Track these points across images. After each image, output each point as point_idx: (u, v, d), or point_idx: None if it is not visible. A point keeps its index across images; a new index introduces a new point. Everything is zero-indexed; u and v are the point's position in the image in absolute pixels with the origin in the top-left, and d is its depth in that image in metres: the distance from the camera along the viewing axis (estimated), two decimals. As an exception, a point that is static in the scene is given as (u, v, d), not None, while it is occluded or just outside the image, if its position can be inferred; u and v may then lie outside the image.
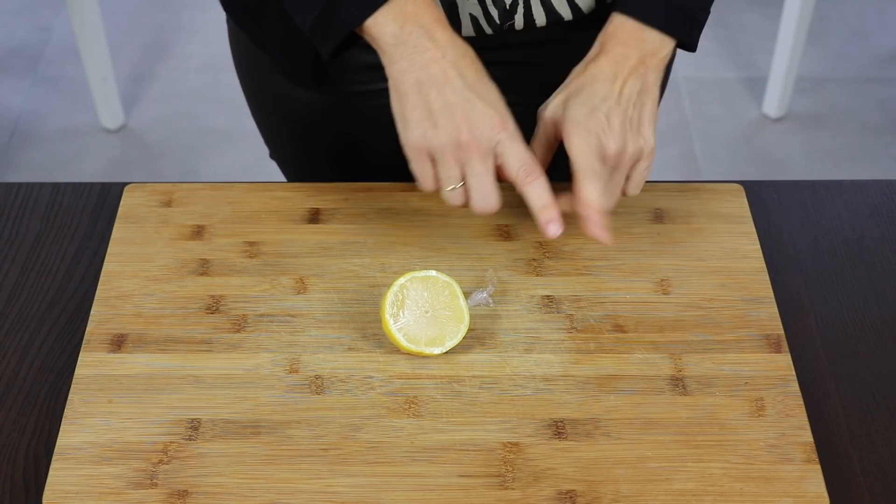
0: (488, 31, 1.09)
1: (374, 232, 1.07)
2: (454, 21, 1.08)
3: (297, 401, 0.93)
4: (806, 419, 0.92)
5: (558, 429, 0.91)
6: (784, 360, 0.96)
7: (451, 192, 0.96)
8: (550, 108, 1.00)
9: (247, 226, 1.07)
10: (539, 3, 1.07)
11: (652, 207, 1.09)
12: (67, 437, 0.91)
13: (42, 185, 1.15)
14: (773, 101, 2.62)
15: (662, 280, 1.03)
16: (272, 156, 1.34)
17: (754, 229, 1.08)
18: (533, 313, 1.00)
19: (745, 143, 2.59)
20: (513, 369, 0.96)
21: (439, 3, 1.01)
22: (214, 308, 1.00)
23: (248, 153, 2.52)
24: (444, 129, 0.93)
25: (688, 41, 1.01)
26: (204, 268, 1.04)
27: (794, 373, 0.96)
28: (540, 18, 1.09)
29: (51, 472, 0.88)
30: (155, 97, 2.69)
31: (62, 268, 1.07)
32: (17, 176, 2.49)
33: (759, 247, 1.06)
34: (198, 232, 1.07)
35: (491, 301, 1.00)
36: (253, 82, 1.25)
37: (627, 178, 1.00)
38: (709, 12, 1.04)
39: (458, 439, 0.91)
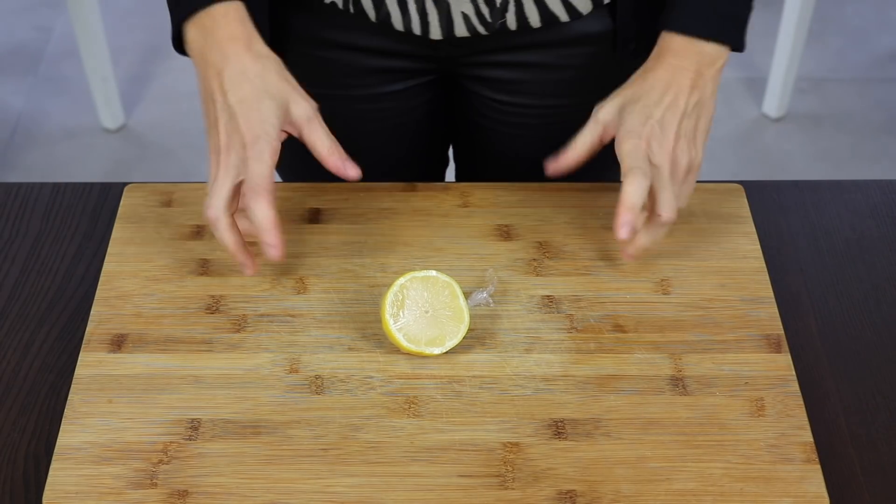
0: (481, 30, 1.09)
1: (374, 232, 1.07)
2: (447, 20, 1.08)
3: (297, 401, 0.93)
4: (806, 419, 0.92)
5: (558, 429, 0.91)
6: (784, 360, 0.96)
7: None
8: (605, 112, 1.00)
9: (247, 226, 1.07)
10: (532, 2, 1.07)
11: (652, 207, 1.09)
12: (67, 437, 0.91)
13: (42, 185, 1.15)
14: (773, 101, 2.62)
15: (662, 280, 1.03)
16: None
17: (754, 229, 1.08)
18: (533, 313, 1.00)
19: (745, 143, 2.59)
20: (513, 369, 0.96)
21: (245, 18, 0.98)
22: (214, 308, 1.00)
23: (248, 153, 2.52)
24: (211, 140, 0.97)
25: (738, 44, 1.01)
26: (204, 268, 1.04)
27: (794, 373, 0.96)
28: (534, 18, 1.08)
29: (51, 472, 0.88)
30: (155, 97, 2.69)
31: (62, 268, 1.07)
32: (17, 176, 2.49)
33: (759, 247, 1.06)
34: (198, 232, 1.07)
35: (491, 301, 1.00)
36: None
37: None
38: (751, 7, 1.03)
39: (458, 439, 0.91)
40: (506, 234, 1.07)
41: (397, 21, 1.09)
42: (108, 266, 1.04)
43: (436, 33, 1.09)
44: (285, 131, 0.98)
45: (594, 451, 0.90)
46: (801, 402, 0.93)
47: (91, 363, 0.96)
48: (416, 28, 1.09)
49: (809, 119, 2.65)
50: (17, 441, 0.93)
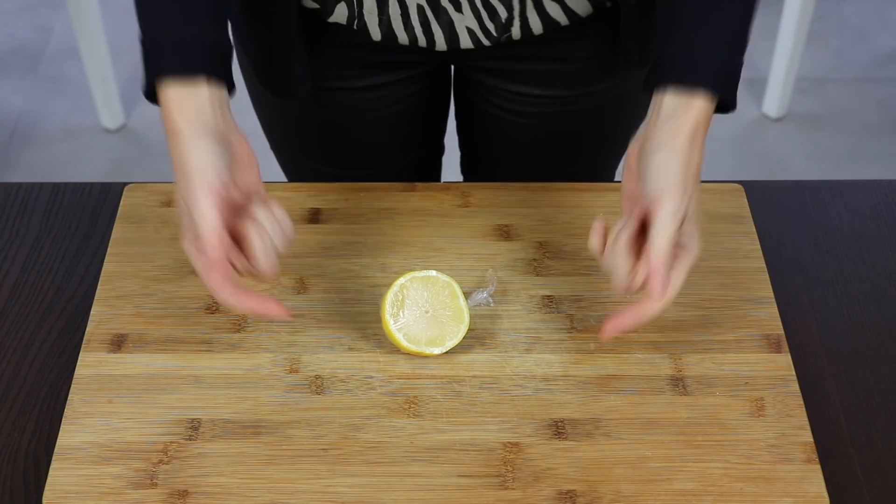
0: (486, 42, 1.09)
1: (374, 232, 1.07)
2: (451, 35, 1.08)
3: (297, 401, 0.93)
4: (806, 419, 0.92)
5: (558, 429, 0.91)
6: (784, 360, 0.96)
7: None
8: (628, 169, 0.92)
9: (247, 226, 1.07)
10: (535, 13, 1.07)
11: (652, 207, 1.09)
12: (67, 437, 0.90)
13: (42, 185, 1.15)
14: (773, 101, 2.62)
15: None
16: (272, 147, 1.34)
17: (754, 229, 1.08)
18: (533, 313, 1.00)
19: (745, 143, 2.59)
20: (513, 369, 0.96)
21: (201, 106, 0.90)
22: (214, 308, 1.00)
23: (248, 153, 2.52)
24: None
25: (731, 101, 0.95)
26: (204, 268, 1.04)
27: (794, 373, 0.96)
28: (536, 27, 1.08)
29: (51, 472, 0.88)
30: (155, 97, 2.69)
31: (62, 268, 1.07)
32: (17, 176, 2.49)
33: (759, 247, 1.06)
34: (198, 232, 1.07)
35: (491, 301, 1.00)
36: (252, 83, 1.25)
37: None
38: (741, 64, 0.95)
39: (458, 439, 0.90)
40: (506, 234, 1.07)
41: (402, 38, 1.09)
42: (108, 266, 1.04)
43: (441, 46, 1.09)
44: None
45: (594, 451, 0.90)
46: (801, 402, 0.93)
47: (91, 363, 0.96)
48: (421, 42, 1.09)
49: (809, 119, 2.65)
50: (17, 441, 0.93)
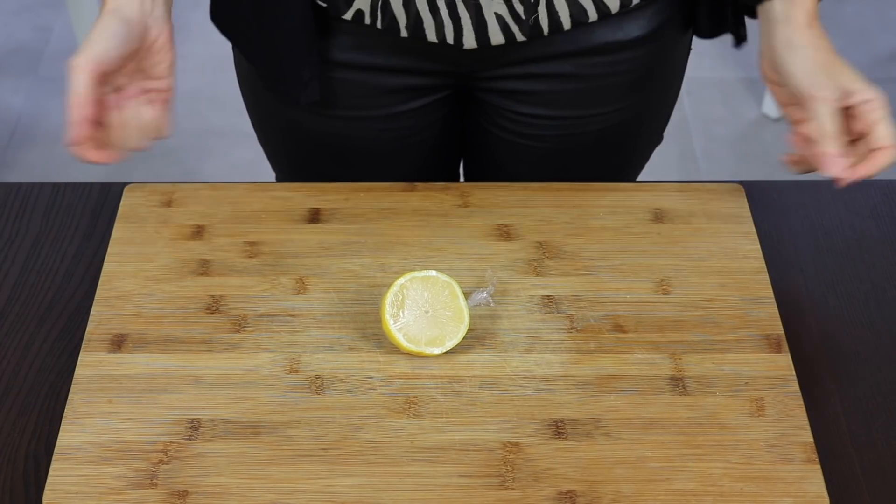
0: (516, 31, 1.06)
1: (374, 232, 1.07)
2: (480, 24, 1.06)
3: (297, 401, 0.93)
4: (806, 419, 0.92)
5: (558, 429, 0.91)
6: (784, 360, 0.96)
7: None
8: (831, 92, 1.01)
9: (247, 226, 1.07)
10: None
11: (652, 207, 1.09)
12: (67, 437, 0.90)
13: (42, 185, 1.15)
14: (774, 101, 2.62)
15: (662, 280, 1.03)
16: (273, 167, 1.33)
17: (754, 229, 1.08)
18: (533, 313, 1.00)
19: (745, 143, 2.58)
20: (513, 369, 0.96)
21: None
22: (214, 308, 1.00)
23: (248, 153, 2.51)
24: None
25: None
26: (204, 268, 1.04)
27: (794, 373, 0.96)
28: (564, 16, 1.06)
29: (51, 472, 0.88)
30: (155, 97, 2.68)
31: (62, 268, 1.07)
32: (17, 176, 2.49)
33: (759, 247, 1.06)
34: (198, 232, 1.07)
35: (491, 301, 1.00)
36: (254, 99, 1.24)
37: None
38: None
39: (458, 439, 0.91)
40: (506, 234, 1.07)
41: (430, 29, 1.06)
42: (108, 266, 1.04)
43: (469, 41, 1.07)
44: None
45: (594, 451, 0.90)
46: (801, 402, 0.93)
47: (91, 363, 0.96)
48: (450, 36, 1.07)
49: (809, 119, 2.65)
50: (17, 441, 0.93)
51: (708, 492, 0.88)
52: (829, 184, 1.15)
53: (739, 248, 1.06)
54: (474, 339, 0.97)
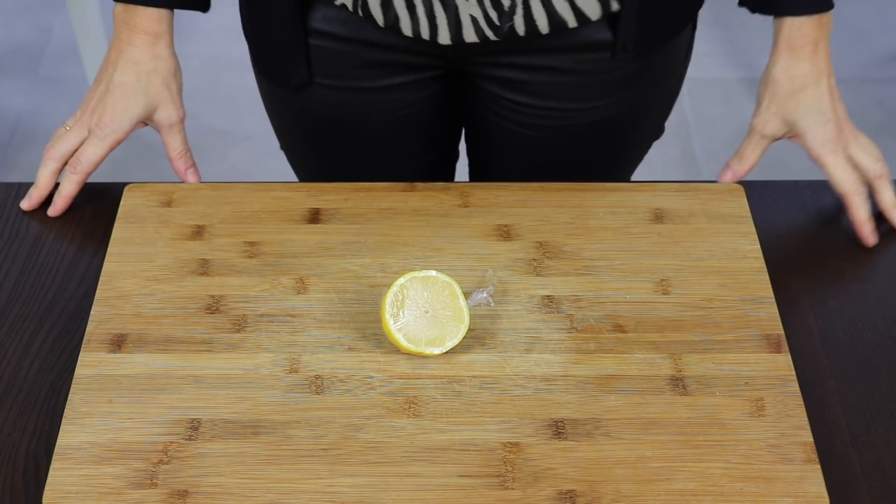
0: (490, 34, 1.08)
1: (374, 232, 1.07)
2: (456, 24, 1.07)
3: (297, 401, 0.93)
4: (806, 419, 0.92)
5: (558, 429, 0.91)
6: (784, 360, 0.96)
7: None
8: (770, 127, 1.12)
9: (247, 226, 1.07)
10: (540, 5, 1.06)
11: (652, 207, 1.09)
12: (67, 437, 0.90)
13: (42, 185, 1.15)
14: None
15: (662, 280, 1.03)
16: (282, 147, 1.34)
17: (754, 229, 1.08)
18: (533, 313, 1.00)
19: (745, 143, 2.58)
20: (513, 369, 0.96)
21: (164, 17, 1.12)
22: (214, 308, 1.00)
23: (248, 153, 2.52)
24: (88, 94, 1.14)
25: (831, 3, 1.09)
26: (204, 268, 1.04)
27: (794, 373, 0.96)
28: (542, 23, 1.08)
29: (51, 472, 0.88)
30: (155, 97, 2.68)
31: (62, 268, 1.07)
32: (17, 176, 2.49)
33: (759, 247, 1.06)
34: (198, 232, 1.07)
35: (491, 301, 1.00)
36: (261, 79, 1.25)
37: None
38: None
39: (458, 439, 0.90)
40: (506, 234, 1.07)
41: (406, 26, 1.09)
42: (108, 266, 1.04)
43: (444, 38, 1.09)
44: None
45: (594, 451, 0.90)
46: (801, 402, 0.93)
47: (91, 363, 0.96)
48: (425, 33, 1.09)
49: (809, 119, 2.65)
50: (17, 441, 0.93)
51: (708, 492, 0.88)
52: (830, 184, 1.16)
53: (739, 248, 1.06)
54: (474, 339, 0.97)
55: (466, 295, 0.98)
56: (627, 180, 1.33)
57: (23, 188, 1.14)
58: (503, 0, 1.05)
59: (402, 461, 0.89)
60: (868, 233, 1.09)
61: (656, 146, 1.33)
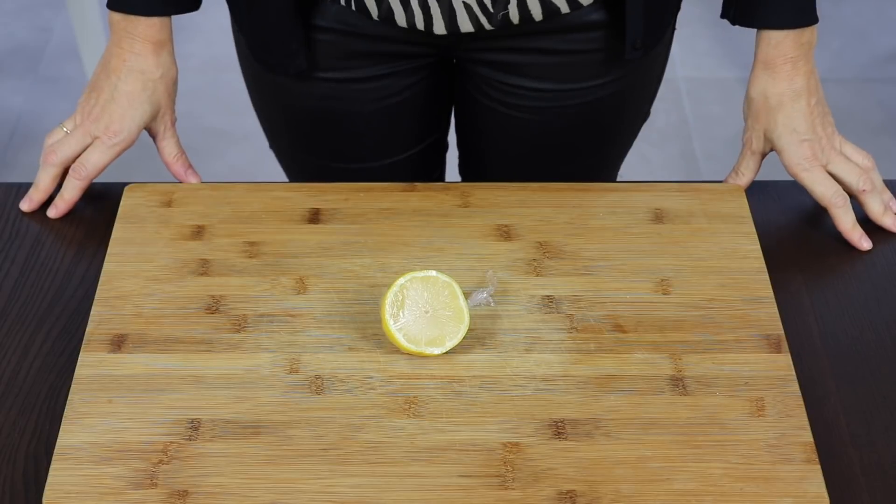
0: (485, 22, 1.09)
1: (374, 232, 1.07)
2: (450, 14, 1.08)
3: (298, 401, 0.93)
4: (806, 419, 0.92)
5: (558, 429, 0.91)
6: (784, 360, 0.96)
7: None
8: (756, 143, 1.16)
9: (247, 226, 1.07)
10: None
11: (652, 207, 1.09)
12: (67, 437, 0.90)
13: (42, 185, 1.15)
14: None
15: (662, 280, 1.03)
16: (271, 146, 1.34)
17: (754, 229, 1.08)
18: (533, 313, 1.00)
19: (745, 143, 2.58)
20: (513, 369, 0.96)
21: (166, 25, 1.12)
22: (214, 308, 1.00)
23: (248, 153, 2.52)
24: (86, 98, 1.14)
25: (815, 17, 1.10)
26: (204, 268, 1.04)
27: (794, 373, 0.96)
28: (536, 10, 1.08)
29: (51, 472, 0.88)
30: (155, 97, 2.68)
31: (62, 268, 1.07)
32: (17, 176, 2.49)
33: (759, 247, 1.06)
34: (198, 232, 1.07)
35: (491, 301, 1.00)
36: (252, 72, 1.25)
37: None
38: None
39: (458, 439, 0.90)
40: (506, 234, 1.07)
41: (400, 18, 1.09)
42: (108, 266, 1.04)
43: (440, 28, 1.10)
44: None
45: (594, 451, 0.90)
46: (801, 402, 0.93)
47: (91, 363, 0.96)
48: (420, 24, 1.09)
49: (809, 119, 2.65)
50: (17, 441, 0.93)
51: (708, 492, 0.87)
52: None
53: (739, 248, 1.06)
54: (474, 339, 0.97)
55: (466, 295, 0.98)
56: (616, 168, 1.34)
57: (23, 188, 1.14)
58: None
59: (402, 461, 0.89)
60: (857, 239, 1.09)
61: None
